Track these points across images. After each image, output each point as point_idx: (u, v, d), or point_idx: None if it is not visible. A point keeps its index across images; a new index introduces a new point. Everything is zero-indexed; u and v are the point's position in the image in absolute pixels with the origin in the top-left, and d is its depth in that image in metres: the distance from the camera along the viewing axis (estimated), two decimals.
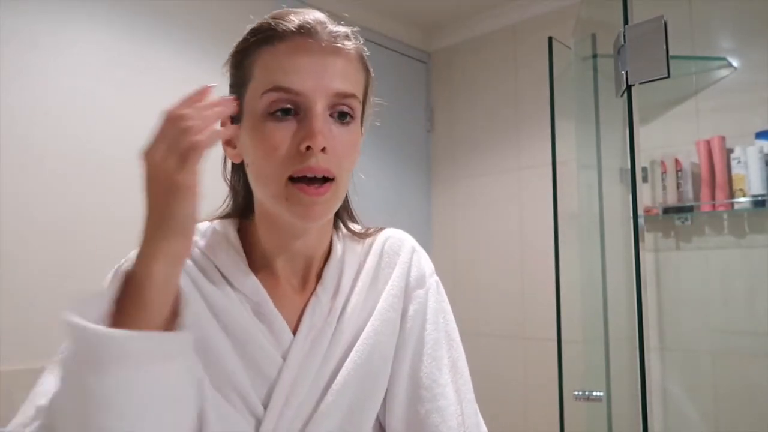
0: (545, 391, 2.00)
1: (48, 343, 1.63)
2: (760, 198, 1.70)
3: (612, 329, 1.61)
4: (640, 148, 1.10)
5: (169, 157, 0.50)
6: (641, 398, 1.00)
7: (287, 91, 0.57)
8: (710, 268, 1.86)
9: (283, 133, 0.57)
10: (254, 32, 0.61)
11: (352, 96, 0.61)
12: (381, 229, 0.76)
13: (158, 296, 0.50)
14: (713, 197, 1.79)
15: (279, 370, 0.61)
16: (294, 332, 0.63)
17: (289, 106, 0.58)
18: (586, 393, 1.46)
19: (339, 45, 0.60)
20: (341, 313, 0.66)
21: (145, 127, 1.80)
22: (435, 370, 0.67)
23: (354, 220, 0.76)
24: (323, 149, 0.57)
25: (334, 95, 0.59)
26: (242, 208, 0.70)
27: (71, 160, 1.64)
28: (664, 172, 1.91)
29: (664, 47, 1.02)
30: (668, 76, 1.02)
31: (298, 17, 0.60)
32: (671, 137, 1.94)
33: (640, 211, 1.09)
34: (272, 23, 0.60)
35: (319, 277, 0.68)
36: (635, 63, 1.06)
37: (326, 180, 0.58)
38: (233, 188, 0.71)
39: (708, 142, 1.81)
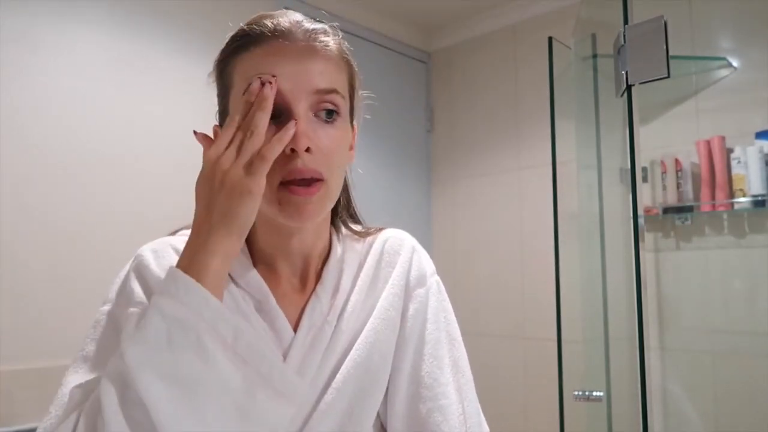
0: (545, 391, 2.00)
1: (48, 343, 1.64)
2: (760, 198, 1.70)
3: (612, 329, 1.61)
4: (640, 148, 1.10)
5: (239, 163, 0.55)
6: (641, 398, 1.00)
7: None
8: (710, 268, 1.86)
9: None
10: (232, 40, 0.62)
11: (334, 92, 0.60)
12: (381, 228, 0.76)
13: (212, 290, 0.52)
14: (713, 197, 1.79)
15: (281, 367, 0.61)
16: (294, 330, 0.64)
17: (275, 111, 0.57)
18: (586, 393, 1.46)
19: (316, 44, 0.60)
20: (341, 312, 0.66)
21: (145, 126, 1.81)
22: (436, 369, 0.67)
23: (355, 219, 0.76)
24: (308, 149, 0.57)
25: (314, 93, 0.59)
26: None
27: (71, 159, 1.64)
28: (664, 172, 1.91)
29: (664, 47, 1.02)
30: (668, 76, 1.02)
31: (272, 21, 0.60)
32: (671, 137, 1.94)
33: (640, 211, 1.08)
34: (247, 29, 0.61)
35: (319, 276, 0.68)
36: (635, 63, 1.06)
37: (315, 180, 0.59)
38: None
39: (708, 142, 1.81)
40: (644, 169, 1.95)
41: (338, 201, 0.72)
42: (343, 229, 0.73)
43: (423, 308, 0.70)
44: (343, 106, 0.62)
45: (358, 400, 0.63)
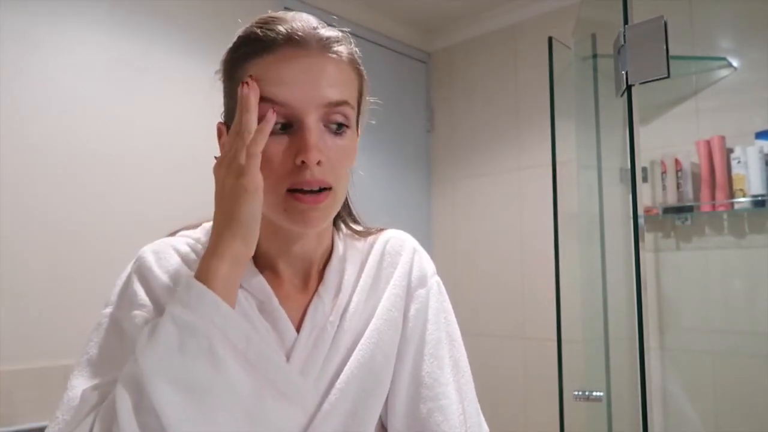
0: (545, 391, 2.00)
1: (48, 343, 1.64)
2: (760, 198, 1.70)
3: (612, 329, 1.61)
4: (640, 148, 1.10)
5: (231, 165, 0.56)
6: (641, 398, 1.00)
7: (277, 103, 0.57)
8: (710, 268, 1.86)
9: (277, 147, 0.57)
10: (243, 42, 0.61)
11: (345, 103, 0.60)
12: (382, 229, 0.76)
13: (222, 295, 0.53)
14: (713, 197, 1.79)
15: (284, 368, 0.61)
16: (297, 331, 0.64)
17: (282, 119, 0.57)
18: (586, 393, 1.46)
19: (329, 54, 0.60)
20: (343, 312, 0.66)
21: (145, 126, 1.81)
22: (437, 369, 0.67)
23: (355, 219, 0.76)
24: (318, 162, 0.57)
25: (326, 105, 0.58)
26: None
27: (71, 159, 1.64)
28: (664, 172, 1.91)
29: (664, 47, 1.02)
30: (668, 76, 1.02)
31: (285, 25, 0.59)
32: (671, 137, 1.94)
33: (640, 211, 1.08)
34: (260, 33, 0.59)
35: (321, 276, 0.68)
36: (635, 63, 1.06)
37: (323, 189, 0.59)
38: None
39: (708, 142, 1.81)
40: (644, 169, 1.95)
41: None
42: (344, 229, 0.74)
43: (424, 309, 0.70)
44: (352, 117, 0.62)
45: (361, 401, 0.63)
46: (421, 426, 0.65)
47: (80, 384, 0.57)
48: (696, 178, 1.85)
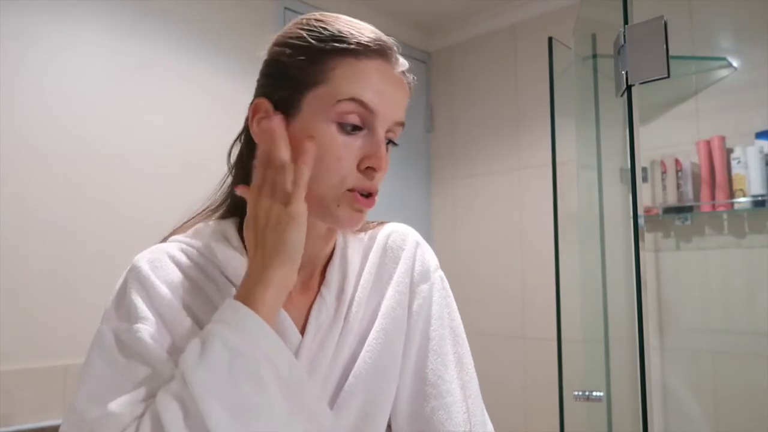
0: (545, 391, 2.00)
1: (48, 343, 1.64)
2: (760, 198, 1.70)
3: (612, 329, 1.61)
4: (640, 148, 1.10)
5: (275, 194, 0.57)
6: (641, 398, 1.00)
7: (364, 106, 0.59)
8: (710, 268, 1.86)
9: (350, 148, 0.59)
10: (333, 36, 0.60)
11: (403, 125, 0.64)
12: (383, 223, 0.75)
13: (267, 320, 0.55)
14: (713, 197, 1.79)
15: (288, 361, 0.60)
16: (301, 333, 0.63)
17: (358, 121, 0.60)
18: (586, 393, 1.46)
19: (405, 79, 0.64)
20: (347, 312, 0.65)
21: (145, 126, 1.81)
22: (440, 367, 0.67)
23: None
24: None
25: (393, 123, 0.62)
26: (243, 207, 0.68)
27: (71, 159, 1.64)
28: (664, 172, 1.91)
29: (664, 47, 1.02)
30: (668, 76, 1.01)
31: (375, 37, 0.61)
32: (671, 137, 1.94)
33: (640, 211, 1.08)
34: (354, 33, 0.60)
35: (322, 275, 0.68)
36: (635, 63, 1.06)
37: (372, 194, 0.63)
38: (238, 182, 0.68)
39: (708, 142, 1.81)
40: (644, 169, 1.95)
41: None
42: None
43: (427, 304, 0.70)
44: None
45: (371, 402, 0.63)
46: (425, 424, 0.64)
47: (91, 402, 0.55)
48: (696, 178, 1.85)
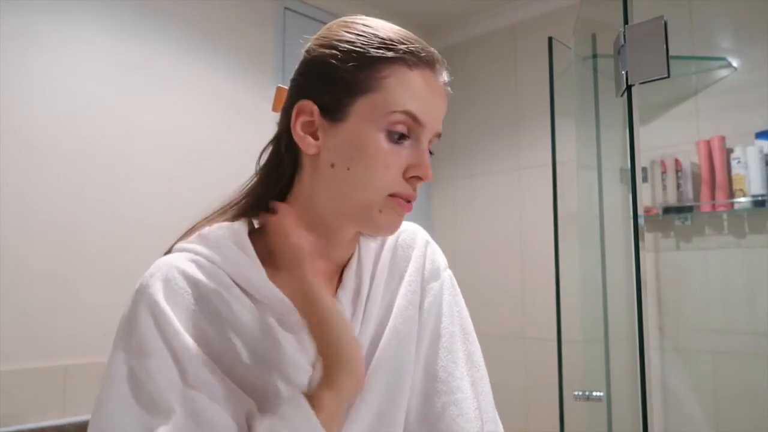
0: (545, 391, 2.00)
1: (48, 343, 1.64)
2: (760, 198, 1.70)
3: (612, 329, 1.61)
4: (640, 148, 1.10)
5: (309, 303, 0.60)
6: (641, 398, 1.00)
7: (415, 119, 0.60)
8: (710, 268, 1.86)
9: (398, 156, 0.60)
10: (384, 44, 0.60)
11: (439, 137, 0.66)
12: None
13: (326, 425, 0.54)
14: (713, 197, 1.79)
15: (309, 379, 0.60)
16: None
17: (406, 131, 0.60)
18: (586, 393, 1.46)
19: (446, 92, 0.65)
20: (363, 314, 0.65)
21: (145, 126, 1.81)
22: (451, 363, 0.67)
23: None
24: None
25: (435, 135, 0.64)
26: (262, 207, 0.66)
27: (71, 159, 1.64)
28: (664, 172, 1.91)
29: (664, 47, 1.02)
30: (668, 76, 1.01)
31: (425, 48, 0.62)
32: (671, 137, 1.94)
33: (640, 211, 1.08)
34: (404, 42, 0.61)
35: (338, 277, 0.67)
36: (635, 63, 1.06)
37: (409, 201, 0.63)
38: (265, 183, 0.66)
39: (708, 142, 1.81)
40: (644, 169, 1.95)
41: None
42: None
43: (437, 302, 0.70)
44: None
45: (387, 402, 0.63)
46: (435, 420, 0.64)
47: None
48: (696, 178, 1.85)
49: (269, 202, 0.65)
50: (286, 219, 0.61)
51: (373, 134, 0.59)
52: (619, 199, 1.59)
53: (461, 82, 2.68)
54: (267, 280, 0.60)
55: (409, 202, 0.63)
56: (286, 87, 0.67)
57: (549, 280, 1.70)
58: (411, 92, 0.59)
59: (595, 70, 1.68)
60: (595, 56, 1.68)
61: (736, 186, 1.74)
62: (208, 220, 0.66)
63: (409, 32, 0.63)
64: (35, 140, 1.58)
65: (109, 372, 0.56)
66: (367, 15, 0.66)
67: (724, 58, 1.82)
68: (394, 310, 0.67)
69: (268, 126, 2.28)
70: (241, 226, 0.64)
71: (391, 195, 0.61)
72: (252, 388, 0.57)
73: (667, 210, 1.90)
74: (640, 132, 1.11)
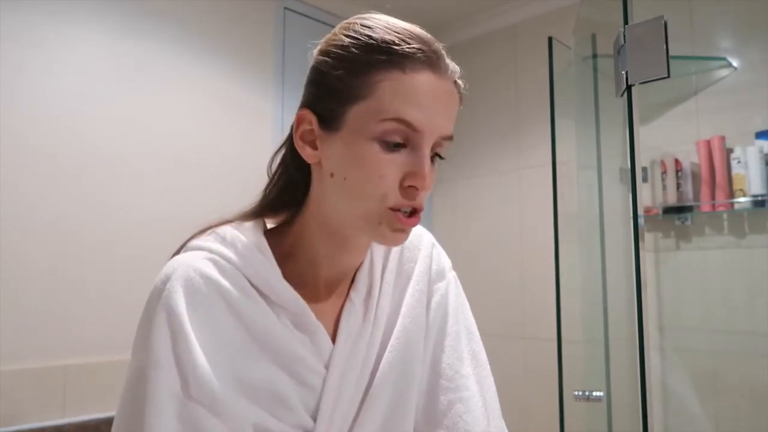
0: (545, 391, 2.00)
1: (48, 343, 1.64)
2: (760, 198, 1.70)
3: (612, 329, 1.61)
4: (640, 148, 1.10)
5: None
6: (641, 398, 1.00)
7: (408, 125, 0.56)
8: (710, 268, 1.86)
9: (393, 165, 0.57)
10: (379, 48, 0.57)
11: (450, 138, 0.61)
12: None
13: None
14: (713, 197, 1.79)
15: (323, 380, 0.60)
16: (332, 339, 0.63)
17: (401, 140, 0.57)
18: (586, 393, 1.46)
19: (455, 89, 0.61)
20: (375, 315, 0.65)
21: (145, 126, 1.81)
22: (456, 361, 0.68)
23: None
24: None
25: (440, 137, 0.59)
26: (274, 209, 0.66)
27: (72, 159, 1.64)
28: (664, 172, 1.91)
29: (664, 47, 1.02)
30: (668, 76, 1.02)
31: (425, 45, 0.58)
32: (671, 137, 1.94)
33: (640, 211, 1.08)
34: (401, 43, 0.57)
35: (350, 280, 0.67)
36: (635, 63, 1.06)
37: (416, 212, 0.59)
38: (278, 186, 0.66)
39: (708, 142, 1.81)
40: (644, 169, 1.95)
41: None
42: None
43: (444, 301, 0.71)
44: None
45: (397, 401, 0.63)
46: (440, 417, 0.65)
47: None
48: (696, 178, 1.85)
49: (282, 205, 0.66)
50: None
51: (367, 143, 0.56)
52: (619, 199, 1.59)
53: (461, 82, 2.68)
54: (283, 281, 0.60)
55: (413, 214, 0.59)
56: None
57: (549, 280, 1.70)
58: (404, 98, 0.55)
59: (595, 70, 1.68)
60: (595, 56, 1.68)
61: (736, 186, 1.74)
62: (223, 221, 0.65)
63: (413, 28, 0.59)
64: (35, 140, 1.58)
65: (127, 380, 0.55)
66: (367, 15, 0.63)
67: (724, 58, 1.82)
68: (403, 310, 0.67)
69: (268, 126, 2.29)
70: (256, 226, 0.64)
71: (392, 208, 0.57)
72: (267, 391, 0.57)
73: (667, 210, 1.90)
74: (640, 132, 1.11)
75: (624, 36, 1.08)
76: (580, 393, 1.46)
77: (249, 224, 0.64)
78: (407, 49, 0.57)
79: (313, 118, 0.59)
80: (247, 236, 0.62)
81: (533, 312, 2.29)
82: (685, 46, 1.87)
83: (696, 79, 1.90)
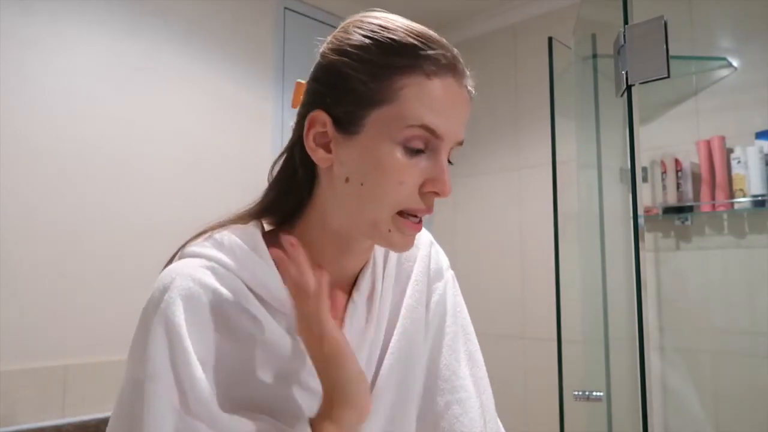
0: (545, 391, 2.00)
1: (48, 343, 1.64)
2: (760, 198, 1.70)
3: (612, 329, 1.61)
4: (640, 148, 1.10)
5: (312, 331, 0.56)
6: (641, 398, 1.00)
7: (432, 132, 0.55)
8: (710, 268, 1.86)
9: (413, 170, 0.56)
10: (402, 50, 0.55)
11: (461, 144, 0.61)
12: None
13: None
14: (713, 197, 1.79)
15: None
16: None
17: (423, 146, 0.56)
18: (586, 393, 1.46)
19: (470, 96, 0.60)
20: (377, 316, 0.65)
21: (145, 126, 1.82)
22: (454, 362, 0.67)
23: None
24: None
25: (455, 143, 0.60)
26: (273, 211, 0.65)
27: (71, 159, 1.64)
28: (664, 172, 1.91)
29: (664, 47, 1.02)
30: (668, 76, 1.02)
31: (446, 51, 0.57)
32: (671, 137, 1.94)
33: (640, 211, 1.08)
34: (423, 47, 0.55)
35: (353, 281, 0.66)
36: (635, 63, 1.06)
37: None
38: (279, 188, 0.64)
39: (708, 142, 1.81)
40: (644, 169, 1.95)
41: None
42: None
43: (442, 301, 0.70)
44: None
45: (399, 402, 0.63)
46: (437, 419, 0.64)
47: None
48: (696, 178, 1.85)
49: (281, 208, 0.64)
50: (297, 256, 0.57)
51: (388, 149, 0.55)
52: (619, 199, 1.59)
53: None
54: (282, 285, 0.59)
55: (420, 219, 0.59)
56: (305, 81, 0.62)
57: (549, 280, 1.70)
58: (429, 104, 0.54)
59: (595, 70, 1.69)
60: (595, 56, 1.68)
61: (736, 186, 1.75)
62: (219, 224, 0.64)
63: (429, 31, 0.58)
64: (35, 140, 1.58)
65: (126, 387, 0.55)
66: (378, 14, 0.60)
67: (724, 58, 1.82)
68: (402, 310, 0.67)
69: (268, 126, 2.29)
70: (254, 229, 0.62)
71: (400, 212, 0.57)
72: (269, 401, 0.57)
73: (667, 210, 1.90)
74: (640, 132, 1.11)
75: (624, 36, 1.08)
76: (580, 393, 1.46)
77: (247, 227, 0.62)
78: (431, 54, 0.55)
79: (328, 120, 0.57)
80: (245, 240, 0.60)
81: (533, 312, 2.29)
82: (685, 46, 1.87)
83: (696, 79, 1.90)
